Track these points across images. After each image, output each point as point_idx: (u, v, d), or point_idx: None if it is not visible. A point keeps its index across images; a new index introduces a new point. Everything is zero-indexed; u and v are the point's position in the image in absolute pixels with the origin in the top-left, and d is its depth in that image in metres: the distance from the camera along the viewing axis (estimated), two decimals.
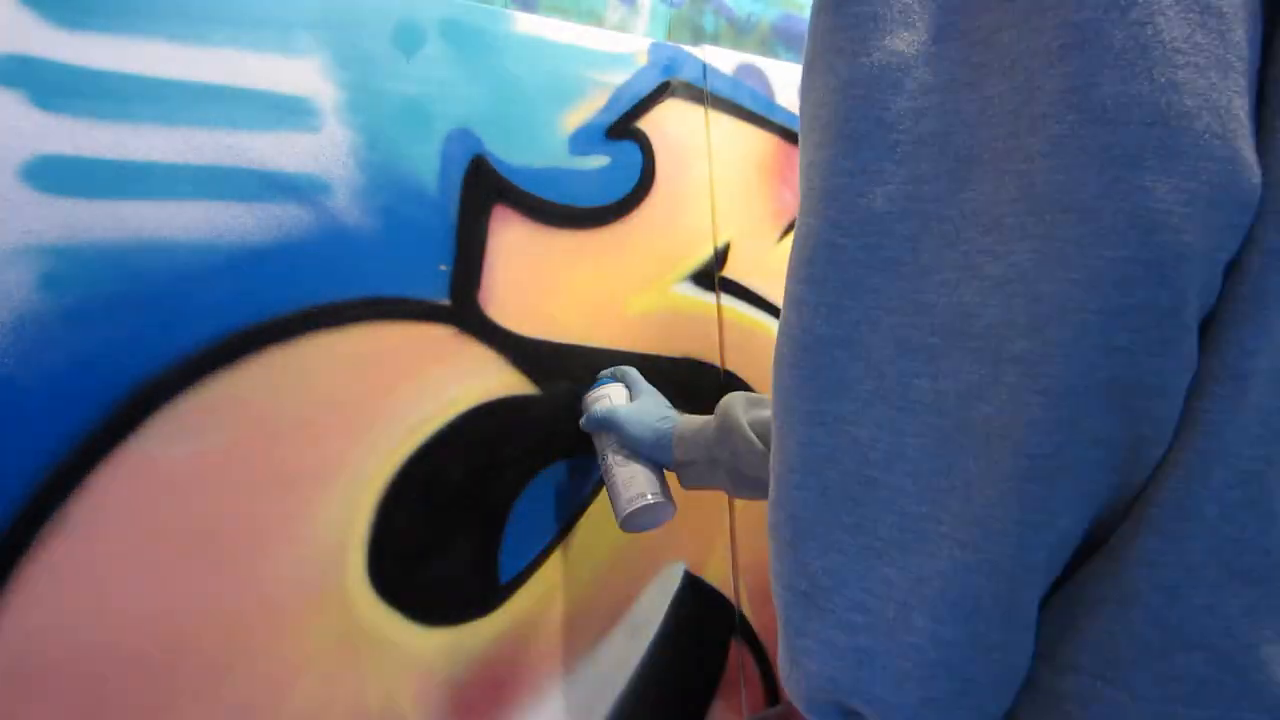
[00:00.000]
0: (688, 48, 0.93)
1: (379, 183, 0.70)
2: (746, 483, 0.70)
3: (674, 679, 0.90)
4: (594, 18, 0.89)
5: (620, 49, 0.87)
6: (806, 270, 0.36)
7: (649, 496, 0.74)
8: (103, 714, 0.57)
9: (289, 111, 0.66)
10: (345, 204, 0.68)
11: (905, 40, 0.34)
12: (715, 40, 1.01)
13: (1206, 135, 0.29)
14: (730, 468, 0.69)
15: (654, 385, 0.82)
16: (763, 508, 0.83)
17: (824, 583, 0.35)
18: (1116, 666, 0.34)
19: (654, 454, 0.75)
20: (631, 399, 0.81)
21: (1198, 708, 0.32)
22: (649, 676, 0.87)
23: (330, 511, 0.67)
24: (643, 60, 0.89)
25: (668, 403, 0.80)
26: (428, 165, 0.73)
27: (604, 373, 0.85)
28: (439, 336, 0.74)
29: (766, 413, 0.70)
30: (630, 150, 0.88)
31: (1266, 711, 0.31)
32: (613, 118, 0.86)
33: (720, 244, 0.95)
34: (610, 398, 0.81)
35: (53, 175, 0.56)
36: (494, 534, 0.78)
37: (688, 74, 0.93)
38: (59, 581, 0.56)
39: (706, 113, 0.94)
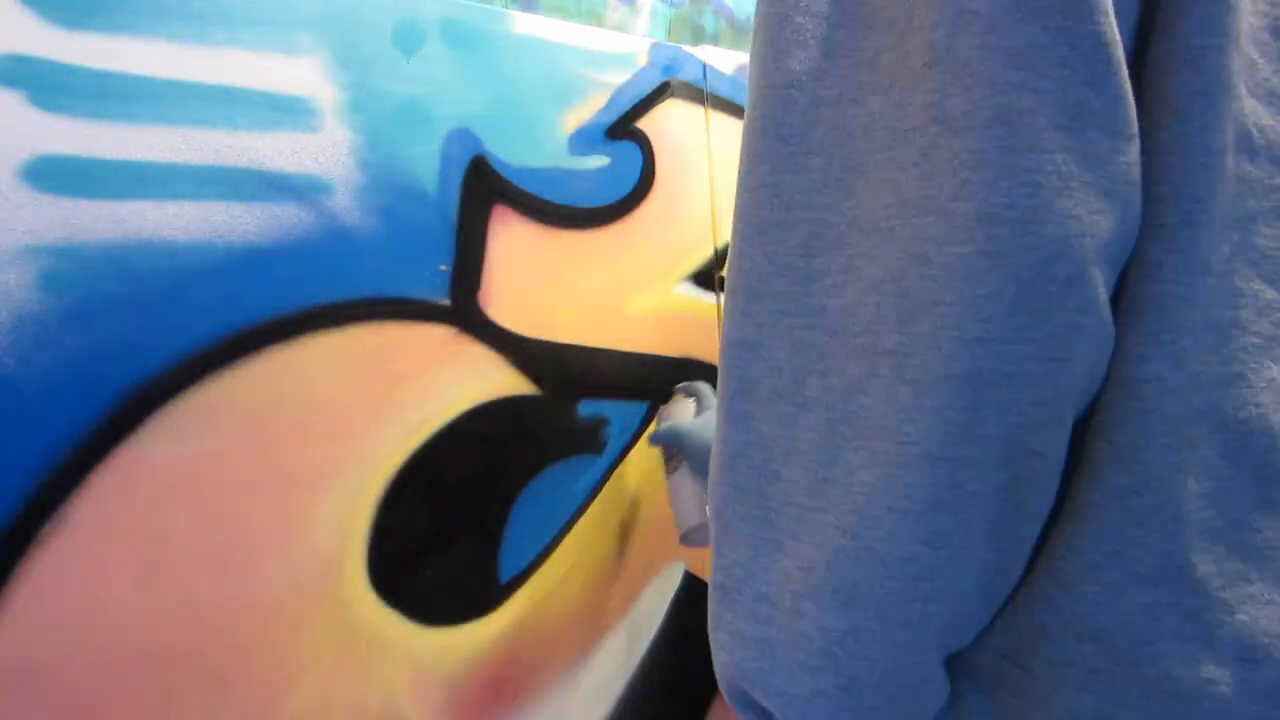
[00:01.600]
0: (688, 48, 0.93)
1: (379, 183, 0.70)
2: None
3: (674, 679, 0.90)
4: (594, 18, 0.89)
5: (620, 49, 0.87)
6: (727, 279, 0.39)
7: (703, 516, 0.75)
8: (102, 714, 0.57)
9: (289, 111, 0.65)
10: (345, 204, 0.68)
11: (798, 58, 0.36)
12: (715, 40, 1.01)
13: (1049, 130, 0.30)
14: None
15: (653, 386, 0.82)
16: None
17: (737, 574, 0.37)
18: (1019, 649, 0.36)
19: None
20: (698, 414, 0.82)
21: (1087, 692, 0.34)
22: (649, 676, 0.87)
23: (330, 511, 0.67)
24: (643, 60, 0.89)
25: None
26: (428, 165, 0.73)
27: (679, 386, 0.88)
28: (439, 336, 0.74)
29: None
30: (630, 150, 0.87)
31: (1159, 700, 0.33)
32: (613, 118, 0.86)
33: (720, 244, 0.95)
34: (674, 415, 0.83)
35: (53, 175, 0.56)
36: (494, 534, 0.78)
37: (688, 74, 0.93)
38: (58, 582, 0.56)
39: (706, 113, 0.94)
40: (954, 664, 0.37)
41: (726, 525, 0.38)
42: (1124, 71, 0.32)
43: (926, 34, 0.32)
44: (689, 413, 0.83)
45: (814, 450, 0.34)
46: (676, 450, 0.81)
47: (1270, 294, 0.36)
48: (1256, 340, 0.35)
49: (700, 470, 0.77)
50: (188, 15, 0.61)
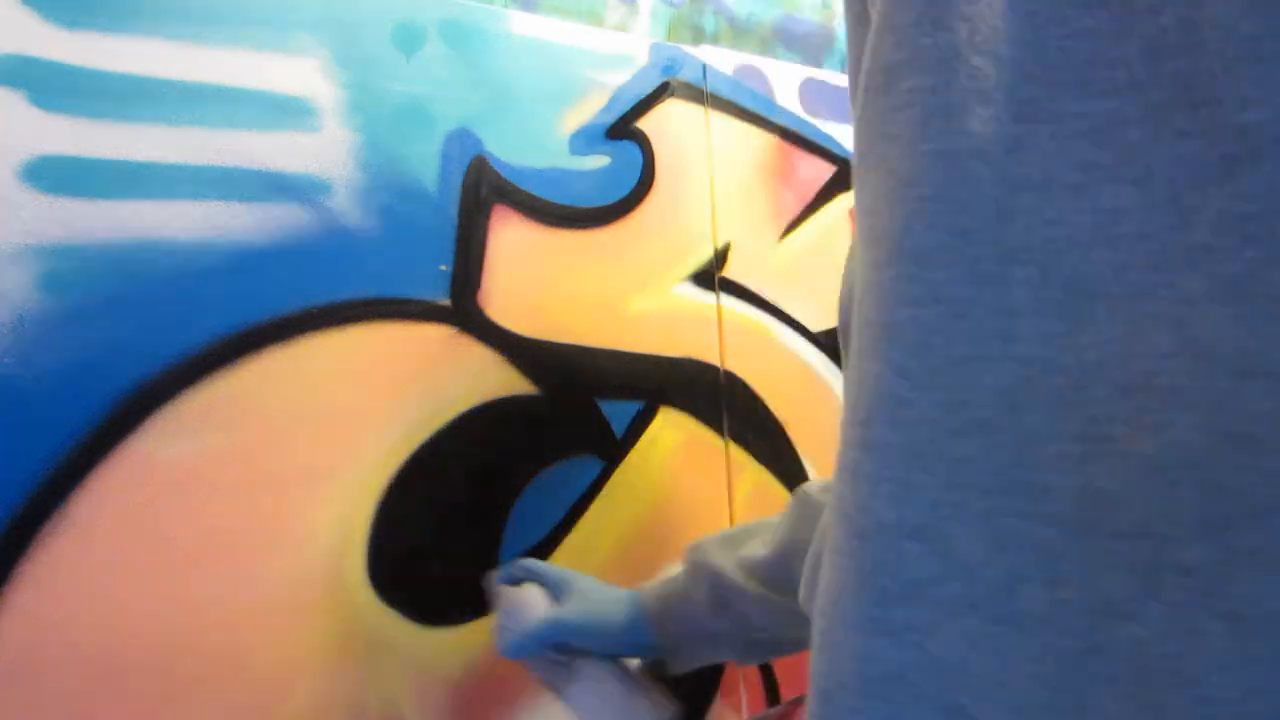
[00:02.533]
0: (688, 48, 0.93)
1: (379, 183, 0.70)
2: (762, 647, 0.61)
3: (674, 679, 0.90)
4: (594, 18, 0.89)
5: (620, 49, 0.87)
6: (862, 432, 0.27)
7: None
8: (102, 714, 0.57)
9: (289, 111, 0.65)
10: (345, 204, 0.68)
11: (981, 119, 0.25)
12: (715, 40, 1.01)
13: None
14: (740, 639, 0.60)
15: (653, 386, 0.82)
16: (767, 503, 0.82)
17: None
18: None
19: (628, 655, 0.64)
20: (555, 600, 0.66)
21: None
22: (649, 677, 0.87)
23: (330, 511, 0.67)
24: (643, 60, 0.89)
25: (596, 581, 0.69)
26: (428, 165, 0.73)
27: (498, 575, 0.70)
28: (439, 336, 0.74)
29: (758, 549, 0.58)
30: (630, 150, 0.87)
31: None
32: (613, 118, 0.86)
33: (720, 244, 0.95)
34: (532, 609, 0.65)
35: (53, 175, 0.56)
36: (494, 534, 0.78)
37: (688, 74, 0.92)
38: (59, 581, 0.56)
39: (706, 113, 0.94)
40: None
41: None
42: None
43: (1218, 111, 0.23)
44: (543, 605, 0.65)
45: (1037, 689, 0.24)
46: (563, 659, 0.64)
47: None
48: None
49: (608, 671, 0.63)
50: (188, 15, 0.62)
